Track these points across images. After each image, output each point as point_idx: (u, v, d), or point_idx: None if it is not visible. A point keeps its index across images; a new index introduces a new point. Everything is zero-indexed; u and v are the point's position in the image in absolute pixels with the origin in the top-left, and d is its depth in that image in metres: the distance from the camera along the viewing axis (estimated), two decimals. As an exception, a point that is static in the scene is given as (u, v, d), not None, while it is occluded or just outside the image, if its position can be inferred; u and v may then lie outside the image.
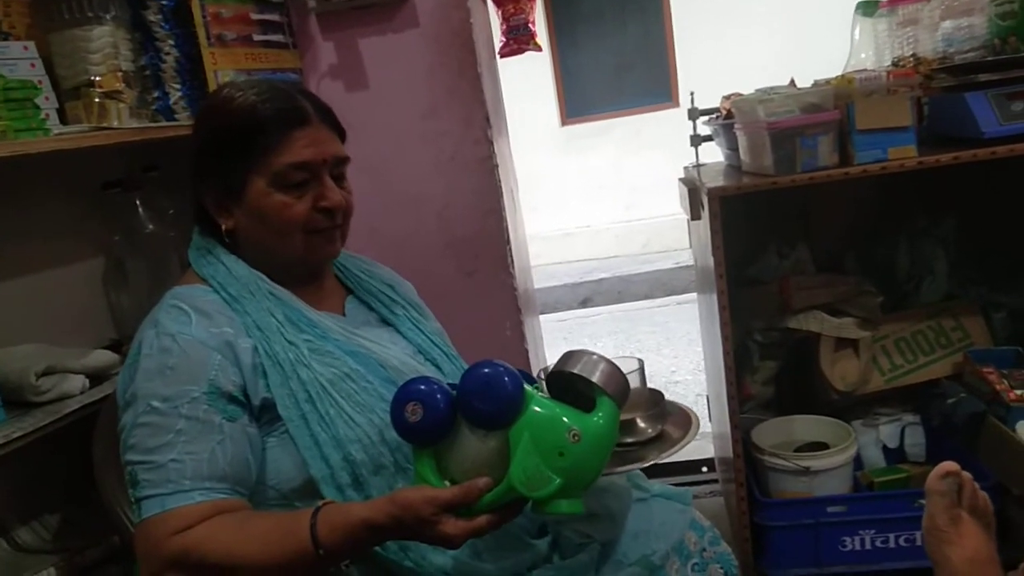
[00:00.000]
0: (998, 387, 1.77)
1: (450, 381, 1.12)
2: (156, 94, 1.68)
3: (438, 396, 0.87)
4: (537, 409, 0.86)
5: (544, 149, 6.49)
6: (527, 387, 0.88)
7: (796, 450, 1.89)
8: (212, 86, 1.61)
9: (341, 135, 1.10)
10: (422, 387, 0.88)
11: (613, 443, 0.90)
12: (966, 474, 0.95)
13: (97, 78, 1.53)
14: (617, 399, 0.89)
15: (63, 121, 1.51)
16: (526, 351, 2.12)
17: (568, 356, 0.93)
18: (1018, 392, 1.77)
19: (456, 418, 0.88)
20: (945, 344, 1.98)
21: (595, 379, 0.88)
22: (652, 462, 1.00)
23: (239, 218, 1.06)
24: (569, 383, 0.91)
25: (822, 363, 1.95)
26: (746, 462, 1.84)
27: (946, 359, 1.97)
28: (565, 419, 0.86)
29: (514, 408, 0.85)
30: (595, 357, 0.90)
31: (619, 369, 0.91)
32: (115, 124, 1.53)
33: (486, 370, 0.86)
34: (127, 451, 0.95)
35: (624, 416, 1.02)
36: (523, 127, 5.46)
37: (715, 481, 2.38)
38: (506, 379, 0.85)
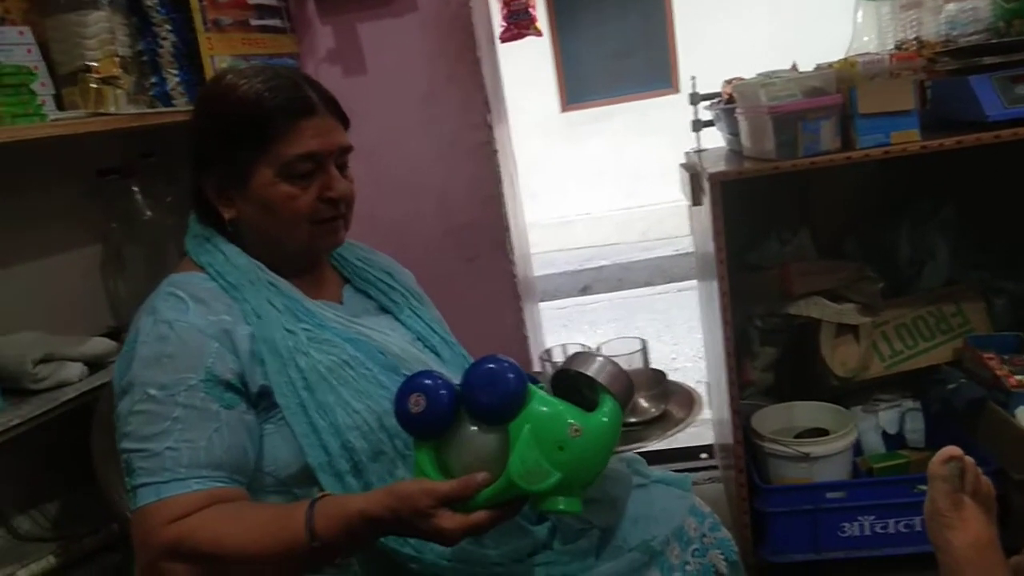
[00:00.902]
0: (998, 372, 1.77)
1: (450, 369, 1.13)
2: (153, 80, 1.67)
3: (442, 389, 0.88)
4: (539, 404, 0.86)
5: (544, 135, 6.47)
6: (531, 385, 0.88)
7: (796, 436, 1.89)
8: (209, 72, 1.60)
9: (345, 124, 1.09)
10: (427, 380, 0.89)
11: (614, 443, 0.89)
12: (969, 459, 0.95)
13: (94, 64, 1.52)
14: (620, 399, 0.89)
15: (60, 107, 1.50)
16: (526, 338, 2.12)
17: (574, 357, 0.94)
18: (1019, 378, 1.76)
19: (459, 413, 0.88)
20: (945, 330, 1.98)
21: (600, 378, 0.89)
22: (656, 442, 1.00)
23: (242, 207, 1.05)
24: (574, 384, 0.92)
25: (822, 349, 1.94)
26: (746, 448, 1.84)
27: (946, 345, 1.96)
28: (566, 414, 0.86)
29: (517, 402, 0.85)
30: (600, 359, 0.91)
31: (624, 372, 0.92)
32: (112, 110, 1.51)
33: (491, 364, 0.87)
34: (123, 439, 0.94)
35: None
36: (523, 113, 5.44)
37: (715, 467, 2.38)
38: (510, 374, 0.86)
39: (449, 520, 0.84)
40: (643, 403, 1.04)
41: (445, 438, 0.89)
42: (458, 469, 0.87)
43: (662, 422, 1.05)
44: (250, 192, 1.03)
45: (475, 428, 0.88)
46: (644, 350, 1.10)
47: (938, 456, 0.94)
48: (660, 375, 1.09)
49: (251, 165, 1.01)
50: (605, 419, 0.87)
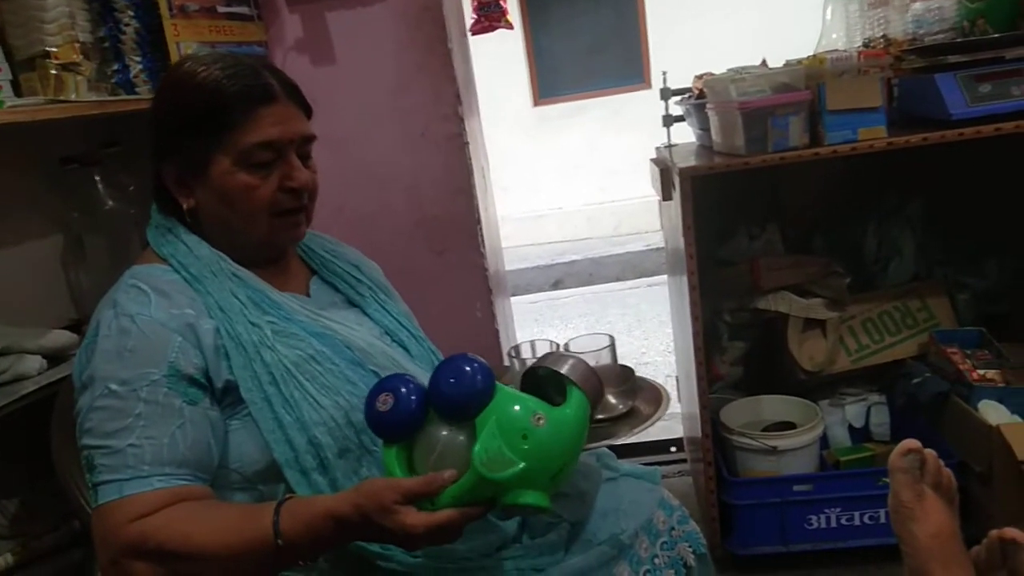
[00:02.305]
0: (961, 367, 1.80)
1: (419, 364, 1.12)
2: (116, 67, 1.63)
3: (409, 388, 0.88)
4: (504, 397, 0.87)
5: (516, 129, 6.46)
6: (498, 383, 0.88)
7: (764, 430, 1.91)
8: (174, 59, 1.57)
9: (307, 112, 1.07)
10: (395, 380, 0.90)
11: (581, 437, 0.89)
12: (929, 451, 0.96)
13: (53, 49, 1.48)
14: (587, 393, 0.90)
15: (17, 93, 1.46)
16: (496, 332, 2.11)
17: (544, 357, 0.95)
18: (981, 372, 1.80)
19: (427, 416, 0.88)
20: (911, 325, 2.01)
21: (564, 370, 0.89)
22: (624, 438, 1.00)
23: (201, 197, 1.03)
24: (543, 384, 0.93)
25: (790, 343, 1.96)
26: (714, 442, 1.85)
27: (912, 339, 1.99)
28: (531, 404, 0.86)
29: (482, 398, 0.86)
30: (572, 360, 0.92)
31: (594, 373, 0.92)
32: (72, 97, 1.48)
33: (457, 362, 0.88)
34: (83, 435, 0.92)
35: None
36: (495, 107, 5.42)
37: (684, 461, 2.39)
38: (476, 371, 0.86)
39: (413, 516, 0.82)
40: (611, 399, 1.04)
41: (414, 439, 0.89)
42: (425, 469, 0.87)
43: (630, 418, 1.05)
44: (209, 182, 1.01)
45: (443, 428, 0.87)
46: (612, 346, 1.10)
47: (897, 449, 0.96)
48: (628, 371, 1.09)
49: (210, 154, 0.99)
50: (569, 410, 0.88)
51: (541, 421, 0.84)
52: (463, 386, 0.86)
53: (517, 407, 0.86)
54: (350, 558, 0.97)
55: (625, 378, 1.08)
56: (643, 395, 1.09)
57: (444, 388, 0.87)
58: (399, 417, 0.87)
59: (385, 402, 0.87)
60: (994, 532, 0.91)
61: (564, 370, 0.91)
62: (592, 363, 1.08)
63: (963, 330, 1.96)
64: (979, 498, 1.65)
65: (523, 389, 0.93)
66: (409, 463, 0.89)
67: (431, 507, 0.84)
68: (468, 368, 0.86)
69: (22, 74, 1.49)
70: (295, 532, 0.85)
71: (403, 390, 0.88)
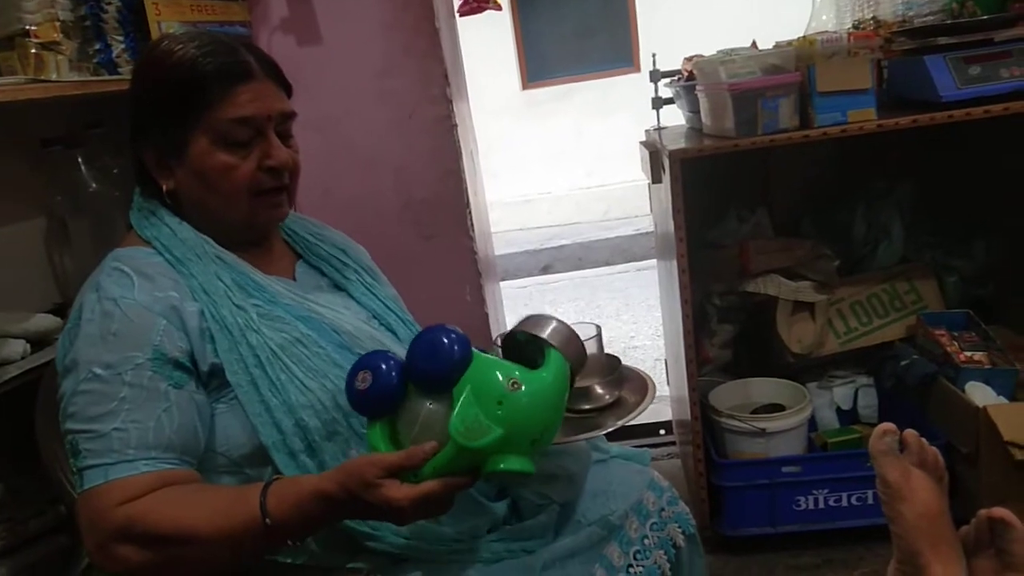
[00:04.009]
0: (949, 349, 1.81)
1: (406, 347, 1.11)
2: (97, 46, 1.60)
3: (388, 365, 0.87)
4: (480, 364, 0.86)
5: (505, 114, 6.43)
6: (475, 350, 0.87)
7: (752, 412, 1.91)
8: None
9: (287, 90, 1.06)
10: (374, 357, 0.89)
11: (560, 398, 0.88)
12: (910, 431, 0.97)
13: (32, 28, 1.45)
14: (567, 354, 0.89)
15: (-4, 73, 1.43)
16: (486, 316, 2.11)
17: (526, 320, 0.93)
18: (968, 354, 1.81)
19: (407, 389, 0.88)
20: (899, 307, 2.02)
21: (543, 335, 0.89)
22: (609, 429, 0.99)
23: (180, 178, 1.01)
24: (523, 349, 0.92)
25: (779, 326, 1.97)
26: (703, 424, 1.86)
27: (900, 322, 2.00)
28: (506, 369, 0.86)
29: (458, 367, 0.85)
30: (554, 322, 0.91)
31: (573, 331, 0.91)
32: (53, 77, 1.45)
33: (433, 332, 0.87)
34: (67, 420, 0.91)
35: (581, 383, 1.02)
36: (484, 91, 5.39)
37: (673, 443, 2.40)
38: (450, 340, 0.86)
39: (397, 490, 0.82)
40: (598, 389, 1.03)
41: (396, 415, 0.88)
42: (409, 443, 0.86)
43: (616, 408, 1.05)
44: (187, 162, 0.99)
45: (423, 401, 0.87)
46: (599, 335, 1.09)
47: (874, 433, 0.97)
48: (615, 361, 1.08)
49: (187, 133, 0.98)
50: (546, 373, 0.87)
51: (516, 385, 0.84)
52: (439, 358, 0.85)
53: (493, 373, 0.85)
54: (340, 540, 0.97)
55: (612, 368, 1.07)
56: (629, 385, 1.08)
57: (420, 361, 0.86)
58: (378, 393, 0.87)
59: (364, 380, 0.87)
60: (983, 512, 0.92)
61: (546, 333, 0.90)
62: None
63: (950, 312, 1.97)
64: (966, 479, 1.66)
65: (505, 355, 0.92)
66: (394, 439, 0.88)
67: (415, 480, 0.83)
68: (444, 339, 0.86)
69: (0, 53, 1.46)
70: (282, 512, 0.85)
71: (382, 367, 0.87)
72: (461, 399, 0.83)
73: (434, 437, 0.84)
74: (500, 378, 0.84)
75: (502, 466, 0.83)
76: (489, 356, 0.88)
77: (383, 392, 0.87)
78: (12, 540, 1.36)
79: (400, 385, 0.87)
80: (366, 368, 0.88)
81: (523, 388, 0.84)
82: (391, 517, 0.85)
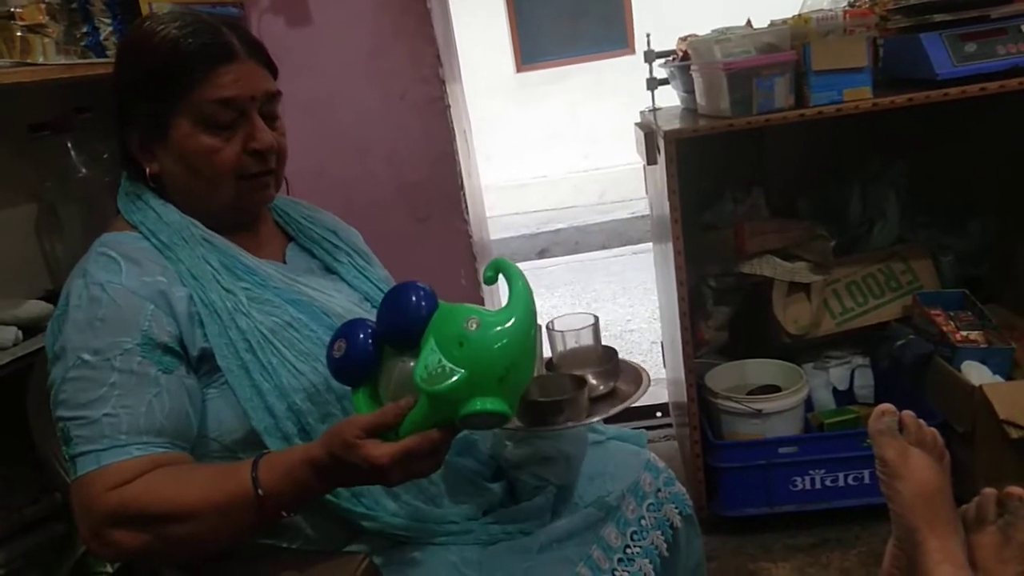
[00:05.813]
0: (945, 328, 1.81)
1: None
2: (85, 29, 1.58)
3: (360, 331, 0.89)
4: (442, 311, 0.86)
5: (499, 96, 6.39)
6: (441, 301, 0.88)
7: (749, 393, 1.91)
8: (145, 21, 1.52)
9: (273, 71, 1.04)
10: (349, 325, 0.91)
11: (525, 334, 0.85)
12: (907, 412, 0.98)
13: (18, 9, 1.42)
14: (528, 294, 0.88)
15: (-19, 57, 1.41)
16: (482, 300, 2.10)
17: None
18: (963, 333, 1.81)
19: (385, 353, 0.89)
20: (895, 287, 2.01)
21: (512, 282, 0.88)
22: (599, 417, 0.99)
23: (164, 161, 1.00)
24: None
25: (775, 307, 1.96)
26: (700, 406, 1.86)
27: (896, 302, 2.00)
28: (464, 312, 0.85)
29: (422, 319, 0.86)
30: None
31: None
32: (40, 60, 1.43)
33: (397, 291, 0.89)
34: (58, 407, 0.90)
35: (576, 372, 1.02)
36: (477, 74, 5.34)
37: (669, 425, 2.41)
38: (420, 296, 0.87)
39: (375, 448, 0.82)
40: (592, 380, 1.02)
41: (378, 379, 0.89)
42: (388, 403, 0.87)
43: (610, 398, 1.04)
44: (171, 145, 0.98)
45: (398, 360, 0.88)
46: (595, 326, 1.08)
47: (873, 414, 0.98)
48: (611, 352, 1.08)
49: (170, 116, 0.97)
50: (507, 310, 0.85)
51: (475, 324, 0.83)
52: (400, 312, 0.86)
53: (453, 318, 0.85)
54: (338, 523, 0.97)
55: (607, 358, 1.07)
56: (624, 376, 1.08)
57: (387, 321, 0.88)
58: (353, 359, 0.88)
59: (339, 348, 0.88)
60: (988, 490, 0.93)
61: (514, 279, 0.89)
62: (573, 343, 1.08)
63: (946, 292, 1.97)
64: (962, 458, 1.66)
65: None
66: (377, 402, 0.89)
67: (396, 438, 0.83)
68: (406, 295, 0.87)
69: (-15, 36, 1.44)
70: (273, 482, 0.85)
71: (358, 334, 0.89)
72: (425, 348, 0.84)
73: (408, 393, 0.84)
74: (459, 319, 0.84)
75: (473, 408, 0.82)
76: (455, 305, 0.87)
77: (358, 357, 0.88)
78: (8, 528, 1.36)
79: (376, 350, 0.88)
80: (341, 337, 0.89)
81: (480, 326, 0.83)
82: (376, 478, 0.84)
